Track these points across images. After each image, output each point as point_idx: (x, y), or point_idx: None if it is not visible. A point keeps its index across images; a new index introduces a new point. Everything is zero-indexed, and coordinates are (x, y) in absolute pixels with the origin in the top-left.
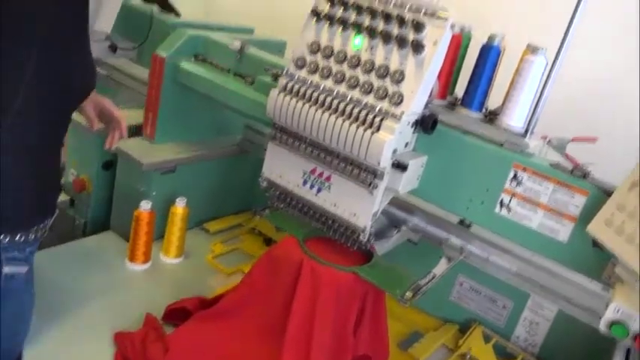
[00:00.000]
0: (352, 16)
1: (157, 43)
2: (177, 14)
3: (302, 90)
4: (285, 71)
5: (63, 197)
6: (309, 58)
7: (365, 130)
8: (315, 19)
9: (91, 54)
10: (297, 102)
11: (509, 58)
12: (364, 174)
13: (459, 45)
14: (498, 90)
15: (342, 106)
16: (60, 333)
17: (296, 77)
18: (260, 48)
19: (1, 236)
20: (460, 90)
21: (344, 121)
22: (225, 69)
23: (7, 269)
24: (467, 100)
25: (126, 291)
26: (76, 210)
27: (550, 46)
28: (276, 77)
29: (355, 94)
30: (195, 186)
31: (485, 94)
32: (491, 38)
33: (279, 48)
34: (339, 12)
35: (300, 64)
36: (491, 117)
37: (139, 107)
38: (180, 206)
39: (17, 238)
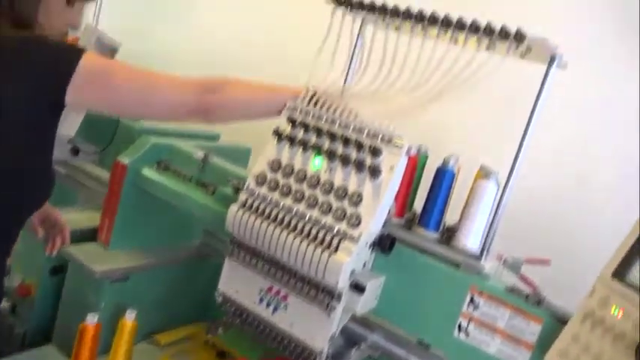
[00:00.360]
0: (312, 138)
1: (121, 147)
2: None
3: (261, 207)
4: (245, 186)
5: (4, 303)
6: (269, 175)
7: (323, 251)
8: (276, 138)
9: (52, 163)
10: (255, 219)
11: (466, 169)
12: (321, 295)
13: (415, 166)
14: (455, 204)
15: (300, 225)
16: None
17: (256, 194)
18: (225, 155)
19: None
20: (418, 204)
21: (302, 240)
22: (187, 177)
23: None
24: (424, 220)
25: None
26: (16, 317)
27: (503, 162)
28: (237, 189)
29: (314, 213)
30: (149, 294)
31: (442, 213)
32: (445, 161)
33: (244, 155)
34: (300, 133)
35: (261, 180)
36: (449, 235)
37: (98, 209)
38: (129, 320)
39: None
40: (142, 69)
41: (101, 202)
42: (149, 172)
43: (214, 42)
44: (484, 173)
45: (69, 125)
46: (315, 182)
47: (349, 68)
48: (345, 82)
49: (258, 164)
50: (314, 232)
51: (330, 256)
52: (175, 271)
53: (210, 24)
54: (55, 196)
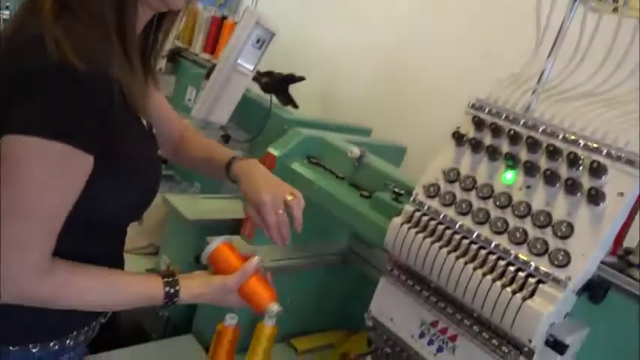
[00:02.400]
0: (504, 145)
1: (271, 137)
2: (295, 106)
3: (431, 225)
4: (413, 197)
5: None
6: (443, 186)
7: (513, 294)
8: (456, 141)
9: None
10: (424, 239)
11: None
12: (505, 347)
13: None
14: None
15: (482, 254)
16: None
17: (425, 207)
18: (377, 154)
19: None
20: (630, 240)
21: (484, 275)
22: (339, 176)
23: None
24: None
25: None
26: None
27: None
28: (397, 196)
29: (502, 241)
30: (288, 296)
31: None
32: None
33: (398, 155)
34: (487, 138)
35: (433, 192)
36: None
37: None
38: (268, 325)
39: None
40: None
41: None
42: (299, 167)
43: (382, 37)
44: None
45: (220, 114)
46: (506, 202)
47: (550, 54)
48: (542, 74)
49: (430, 172)
50: (501, 265)
51: (523, 301)
52: (318, 274)
53: (374, 18)
54: (202, 182)
